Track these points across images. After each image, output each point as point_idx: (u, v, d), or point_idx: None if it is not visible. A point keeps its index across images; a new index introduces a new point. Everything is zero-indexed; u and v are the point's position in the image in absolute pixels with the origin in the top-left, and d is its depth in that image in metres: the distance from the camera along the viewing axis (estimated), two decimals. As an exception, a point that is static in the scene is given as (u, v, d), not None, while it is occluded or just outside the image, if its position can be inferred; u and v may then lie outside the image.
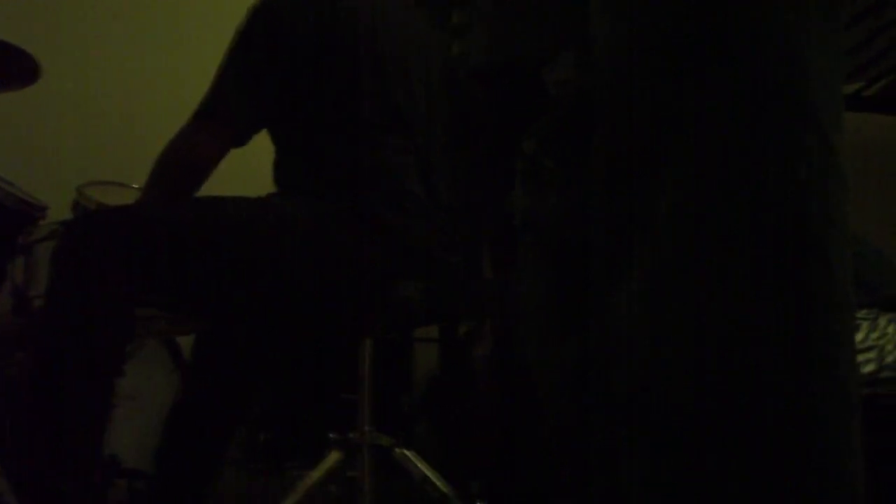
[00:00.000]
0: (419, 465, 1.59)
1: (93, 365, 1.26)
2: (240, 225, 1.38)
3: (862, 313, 1.48)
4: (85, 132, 2.55)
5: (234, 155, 1.48)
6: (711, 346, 0.62)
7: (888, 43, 2.27)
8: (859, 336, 1.44)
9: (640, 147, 0.68)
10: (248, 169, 1.70)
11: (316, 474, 1.53)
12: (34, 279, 1.68)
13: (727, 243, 0.63)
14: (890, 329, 1.44)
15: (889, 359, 1.39)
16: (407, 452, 1.60)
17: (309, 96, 1.48)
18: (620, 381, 0.68)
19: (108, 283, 1.28)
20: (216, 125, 1.43)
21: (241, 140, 1.46)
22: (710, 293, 0.63)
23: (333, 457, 1.55)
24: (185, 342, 1.83)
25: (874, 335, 1.43)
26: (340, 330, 1.71)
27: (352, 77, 1.49)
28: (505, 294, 1.86)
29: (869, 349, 1.41)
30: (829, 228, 0.63)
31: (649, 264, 0.66)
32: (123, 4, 2.73)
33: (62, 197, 1.84)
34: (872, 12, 2.07)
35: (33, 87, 1.73)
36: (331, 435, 1.61)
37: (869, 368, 1.39)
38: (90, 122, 2.58)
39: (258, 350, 1.61)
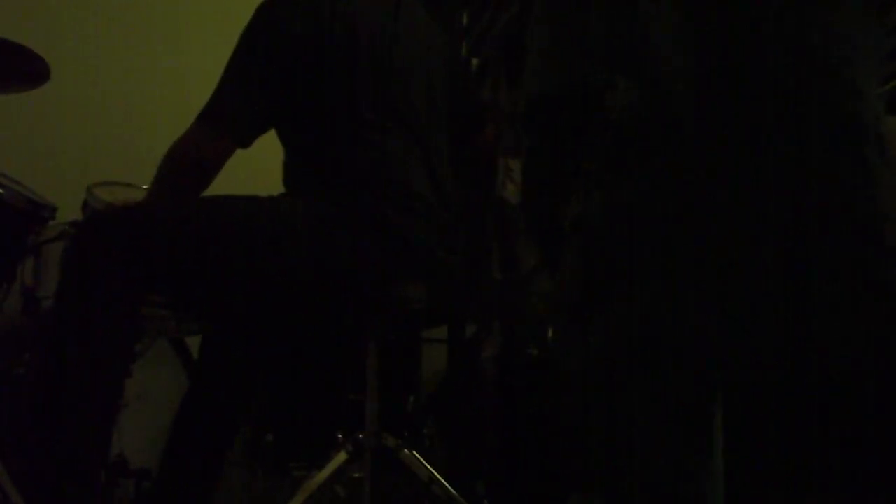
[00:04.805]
0: (425, 465, 1.59)
1: (101, 365, 1.27)
2: (244, 225, 1.39)
3: None
4: (94, 133, 2.56)
5: (242, 156, 1.49)
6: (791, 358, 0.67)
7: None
8: None
9: (713, 160, 0.74)
10: (256, 169, 1.70)
11: (322, 475, 1.53)
12: (44, 280, 1.70)
13: (792, 246, 0.68)
14: None
15: None
16: (413, 453, 1.60)
17: (310, 97, 1.48)
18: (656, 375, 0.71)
19: (116, 283, 1.29)
20: (219, 127, 1.43)
21: (244, 141, 1.46)
22: (780, 299, 0.68)
23: (340, 457, 1.55)
24: (194, 342, 1.84)
25: None
26: (342, 330, 1.71)
27: (352, 77, 1.49)
28: (513, 295, 1.85)
29: None
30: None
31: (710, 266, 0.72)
32: (132, 6, 2.74)
33: (72, 198, 1.85)
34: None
35: (43, 88, 1.74)
36: (337, 435, 1.61)
37: None
38: (100, 123, 2.59)
39: (262, 349, 1.62)
